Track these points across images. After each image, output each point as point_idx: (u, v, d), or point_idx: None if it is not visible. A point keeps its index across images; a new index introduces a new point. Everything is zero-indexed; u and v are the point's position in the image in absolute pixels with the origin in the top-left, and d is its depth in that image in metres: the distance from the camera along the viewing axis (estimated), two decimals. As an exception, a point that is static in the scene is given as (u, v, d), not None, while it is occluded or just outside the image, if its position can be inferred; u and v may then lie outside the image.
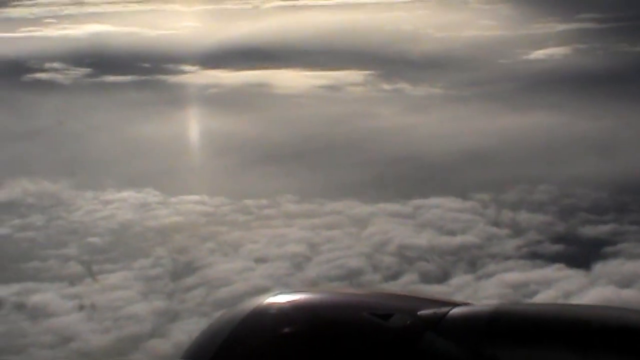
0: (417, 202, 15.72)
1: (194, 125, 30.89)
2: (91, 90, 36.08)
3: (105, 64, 39.29)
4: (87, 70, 38.89)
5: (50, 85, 36.94)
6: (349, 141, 26.32)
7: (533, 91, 32.42)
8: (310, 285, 11.43)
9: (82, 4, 55.33)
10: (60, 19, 48.32)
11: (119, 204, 16.00)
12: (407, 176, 19.22)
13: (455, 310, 2.80)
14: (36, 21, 47.64)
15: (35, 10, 52.73)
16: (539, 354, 2.60)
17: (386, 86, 36.18)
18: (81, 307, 11.73)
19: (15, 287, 12.35)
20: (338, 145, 25.80)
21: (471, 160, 22.03)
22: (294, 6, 55.70)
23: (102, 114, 31.57)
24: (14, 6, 54.25)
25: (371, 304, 2.90)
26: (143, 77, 38.24)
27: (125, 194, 16.69)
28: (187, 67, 40.27)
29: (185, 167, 20.66)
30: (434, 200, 15.81)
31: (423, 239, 13.84)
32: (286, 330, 2.77)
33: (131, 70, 38.92)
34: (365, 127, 28.75)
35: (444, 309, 2.81)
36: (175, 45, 43.81)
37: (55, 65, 39.65)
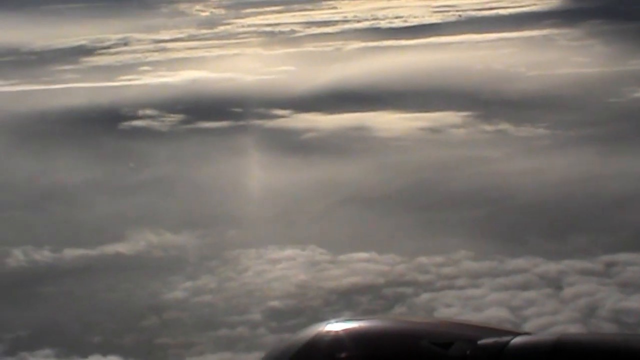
0: (606, 258, 14.78)
1: (307, 173, 30.20)
2: (188, 137, 35.82)
3: (201, 110, 39.08)
4: (183, 116, 38.70)
5: (147, 133, 36.81)
6: (476, 188, 25.44)
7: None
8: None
9: (165, 50, 55.48)
10: (155, 65, 48.42)
11: (288, 264, 15.28)
12: (568, 227, 18.29)
13: (517, 340, 2.73)
14: (129, 69, 47.78)
15: (120, 58, 52.94)
16: None
17: (488, 127, 35.29)
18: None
19: (211, 359, 11.65)
20: (467, 193, 24.93)
21: (624, 207, 21.01)
22: (377, 47, 55.24)
23: (205, 162, 31.18)
24: (100, 54, 54.56)
25: (430, 332, 2.86)
26: (239, 123, 37.91)
27: (290, 252, 15.99)
28: (282, 112, 39.87)
29: (330, 219, 19.98)
30: (623, 256, 14.85)
31: (634, 301, 12.86)
32: (344, 357, 2.73)
33: (227, 116, 38.66)
34: (484, 172, 27.85)
35: (504, 339, 2.74)
36: (269, 89, 43.52)
37: (150, 112, 39.53)
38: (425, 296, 13.46)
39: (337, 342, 2.81)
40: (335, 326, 2.91)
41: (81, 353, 12.79)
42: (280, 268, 15.10)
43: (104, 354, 12.75)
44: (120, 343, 13.27)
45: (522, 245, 16.14)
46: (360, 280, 14.44)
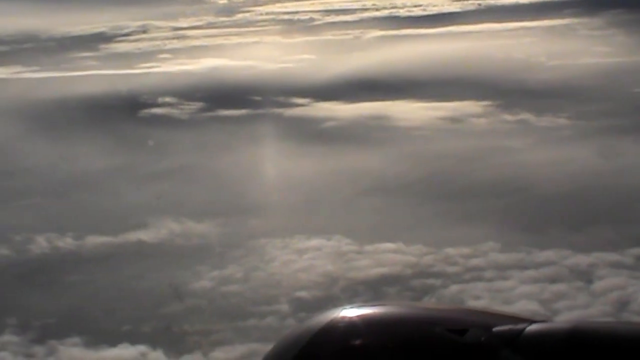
0: (635, 251, 14.64)
1: (327, 162, 30.09)
2: (208, 125, 35.76)
3: (221, 98, 39.01)
4: (203, 104, 38.63)
5: (167, 120, 36.76)
6: (499, 178, 25.27)
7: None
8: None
9: (184, 37, 55.41)
10: (175, 53, 48.37)
11: (314, 254, 15.22)
12: (594, 219, 18.14)
13: (532, 327, 2.74)
14: (148, 56, 47.75)
15: (139, 45, 52.91)
16: None
17: (508, 117, 35.07)
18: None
19: (239, 349, 11.61)
20: (490, 183, 24.75)
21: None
22: (396, 36, 54.99)
23: (225, 150, 31.11)
24: (119, 42, 54.55)
25: (445, 318, 2.87)
26: (258, 111, 37.82)
27: (316, 242, 15.91)
28: (301, 100, 39.74)
29: (354, 209, 19.89)
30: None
31: (666, 295, 12.75)
32: (359, 343, 2.74)
33: (246, 104, 38.57)
34: (506, 162, 27.67)
35: (520, 326, 2.75)
36: (288, 77, 43.41)
37: (170, 100, 39.49)
38: (453, 288, 13.38)
39: (352, 328, 2.81)
40: (350, 312, 2.91)
41: (109, 342, 12.80)
42: (307, 258, 15.04)
43: (132, 342, 12.74)
44: (148, 332, 13.26)
45: (549, 237, 16.00)
46: (387, 271, 14.35)
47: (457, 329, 2.74)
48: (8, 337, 13.01)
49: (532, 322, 2.81)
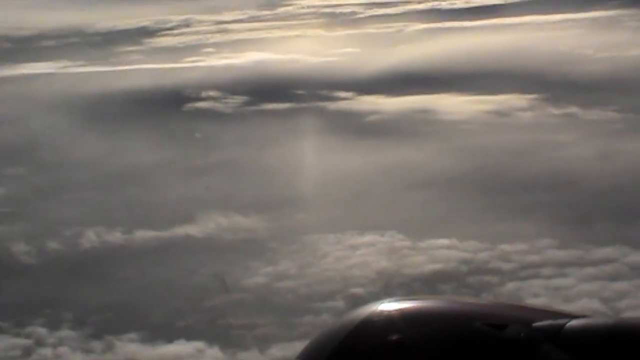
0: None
1: (373, 156, 29.92)
2: (252, 119, 35.75)
3: (265, 92, 38.99)
4: (247, 98, 38.63)
5: (212, 114, 36.82)
6: (549, 173, 24.94)
7: None
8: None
9: (227, 31, 55.49)
10: (218, 47, 48.46)
11: (368, 250, 15.07)
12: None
13: (573, 323, 2.71)
14: (192, 50, 47.90)
15: (183, 39, 53.08)
16: None
17: (555, 111, 34.63)
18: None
19: (296, 346, 11.50)
20: (540, 178, 24.44)
21: None
22: (439, 29, 54.58)
23: (270, 144, 31.06)
24: (162, 36, 54.78)
25: (484, 313, 2.85)
26: (302, 105, 37.74)
27: (369, 237, 15.77)
28: (345, 94, 39.58)
29: (405, 204, 19.70)
30: None
31: None
32: (397, 338, 2.73)
33: (290, 98, 38.53)
34: (555, 156, 27.31)
35: (560, 321, 2.72)
36: (331, 71, 43.28)
37: (214, 93, 39.55)
38: (511, 285, 13.16)
39: (390, 322, 2.81)
40: (389, 306, 2.90)
41: (165, 338, 12.77)
42: (361, 254, 14.90)
43: (188, 338, 12.71)
44: (202, 328, 13.23)
45: (605, 233, 15.71)
46: (443, 268, 14.17)
47: (496, 324, 2.71)
48: (66, 332, 13.05)
49: (572, 317, 2.77)
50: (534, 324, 2.73)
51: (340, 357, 2.76)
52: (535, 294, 12.86)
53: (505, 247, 15.00)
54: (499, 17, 56.43)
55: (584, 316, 2.81)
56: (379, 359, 2.74)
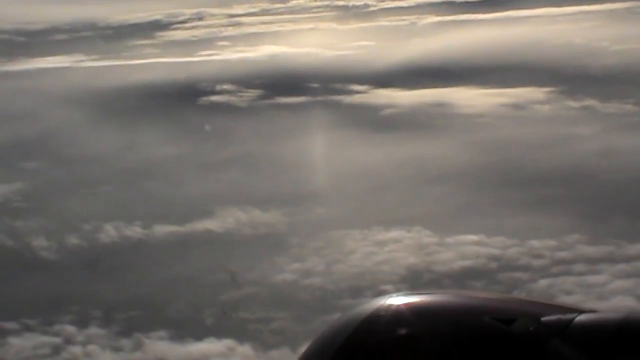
0: None
1: (391, 151, 29.72)
2: (268, 113, 35.60)
3: (280, 86, 38.84)
4: (262, 92, 38.48)
5: (227, 108, 36.68)
6: (570, 167, 24.70)
7: None
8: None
9: (240, 25, 55.30)
10: (232, 40, 48.30)
11: (395, 246, 14.88)
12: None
13: (582, 318, 2.70)
14: (206, 44, 47.74)
15: (196, 33, 52.92)
16: None
17: (573, 104, 34.36)
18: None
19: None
20: (562, 172, 24.20)
21: None
22: (453, 22, 54.30)
23: (286, 138, 30.90)
24: (175, 29, 54.64)
25: (493, 308, 2.83)
26: (318, 99, 37.56)
27: (395, 233, 15.57)
28: (360, 87, 39.38)
29: (428, 199, 19.50)
30: None
31: None
32: (406, 333, 2.74)
33: (305, 92, 38.37)
34: (576, 150, 27.06)
35: (569, 316, 2.71)
36: (346, 65, 43.07)
37: (229, 87, 39.40)
38: (542, 282, 12.95)
39: (399, 316, 2.82)
40: (397, 300, 2.91)
41: (195, 336, 12.63)
42: (388, 251, 14.70)
43: (217, 336, 12.55)
44: (232, 326, 13.07)
45: (635, 229, 15.50)
46: (472, 265, 13.98)
47: (505, 318, 2.70)
48: (95, 330, 12.92)
49: (581, 312, 2.77)
50: (543, 319, 2.72)
51: (349, 351, 2.76)
52: (568, 292, 12.65)
53: (535, 243, 14.80)
54: (514, 10, 56.11)
55: (593, 311, 2.80)
56: (387, 353, 2.74)
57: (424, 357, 2.70)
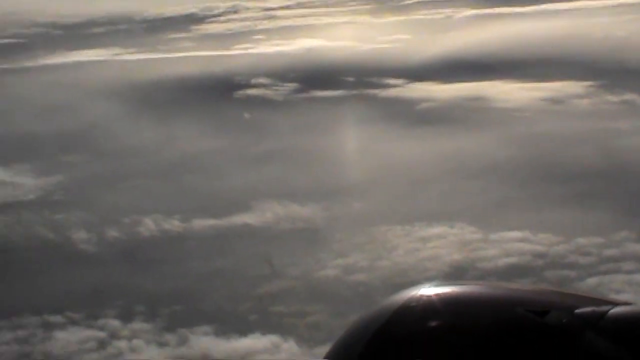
0: None
1: (428, 145, 29.47)
2: (303, 106, 35.47)
3: (316, 79, 38.72)
4: (297, 85, 38.38)
5: (263, 102, 36.63)
6: (613, 163, 24.32)
7: None
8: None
9: (274, 18, 55.25)
10: (267, 34, 48.26)
11: (439, 242, 14.69)
12: None
13: (616, 310, 2.68)
14: (241, 37, 47.73)
15: (231, 26, 52.94)
16: None
17: (612, 98, 33.91)
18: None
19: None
20: (605, 167, 23.83)
21: None
22: (488, 15, 53.84)
23: (322, 132, 30.76)
24: (210, 22, 54.69)
25: (526, 299, 2.83)
26: (353, 92, 37.40)
27: (438, 229, 15.38)
28: (396, 81, 39.14)
29: (469, 194, 19.26)
30: None
31: None
32: (438, 324, 2.74)
33: (341, 85, 38.21)
34: (617, 145, 26.66)
35: (603, 308, 2.69)
36: (381, 58, 42.84)
37: (265, 80, 39.36)
38: (591, 280, 12.71)
39: (431, 306, 2.82)
40: (430, 290, 2.90)
41: (239, 331, 12.55)
42: (432, 247, 14.52)
43: (261, 331, 12.47)
44: (276, 321, 12.98)
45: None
46: (517, 261, 13.76)
47: (538, 310, 2.70)
48: (139, 325, 12.89)
49: (615, 304, 2.74)
50: (576, 311, 2.71)
51: (380, 342, 2.77)
52: (618, 290, 12.40)
53: (581, 240, 14.54)
54: (551, 2, 55.50)
55: (627, 303, 2.77)
56: (419, 344, 2.74)
57: (456, 348, 2.70)
